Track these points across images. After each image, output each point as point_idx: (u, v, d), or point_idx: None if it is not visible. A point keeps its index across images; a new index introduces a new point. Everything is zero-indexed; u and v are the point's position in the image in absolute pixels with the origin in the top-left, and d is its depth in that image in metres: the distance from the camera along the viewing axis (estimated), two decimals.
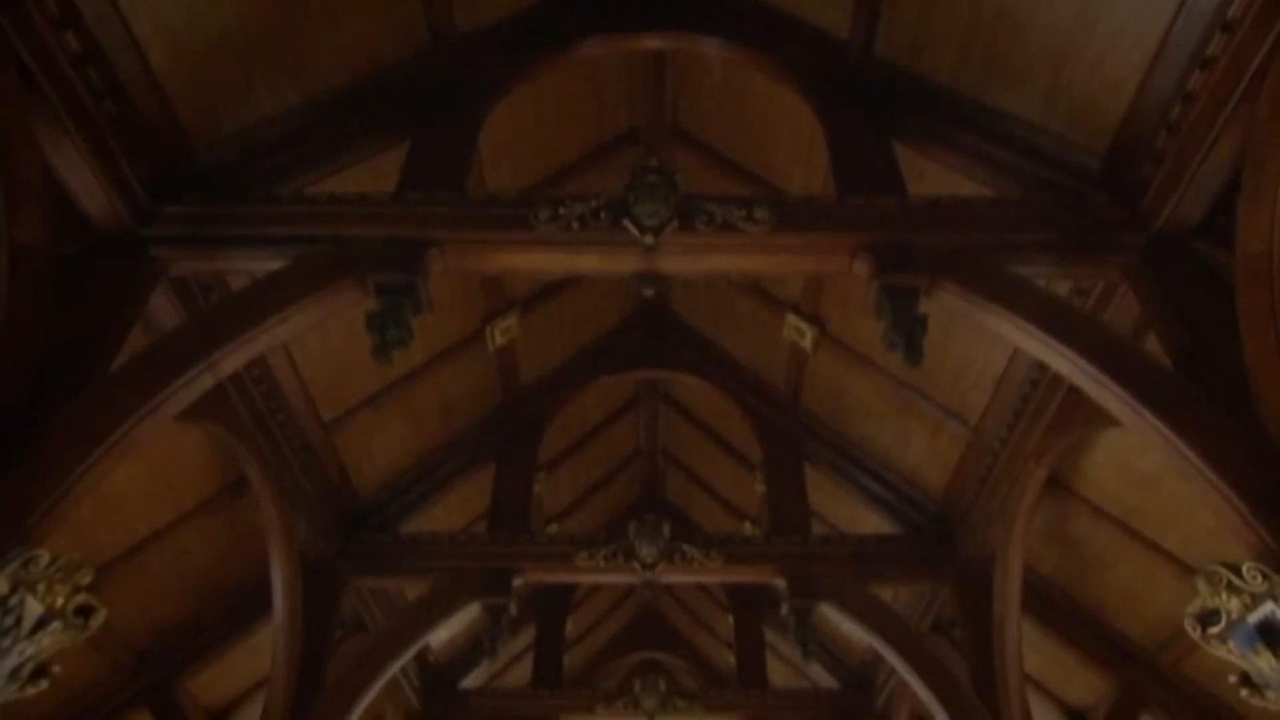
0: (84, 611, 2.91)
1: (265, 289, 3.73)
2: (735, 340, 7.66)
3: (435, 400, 6.82)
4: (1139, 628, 6.08)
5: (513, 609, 6.30)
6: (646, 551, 6.43)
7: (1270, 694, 2.92)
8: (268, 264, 3.89)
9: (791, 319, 6.63)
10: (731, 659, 10.09)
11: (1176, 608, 5.60)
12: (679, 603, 12.32)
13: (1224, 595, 2.94)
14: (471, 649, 9.39)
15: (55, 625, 2.80)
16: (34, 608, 2.71)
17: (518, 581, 6.33)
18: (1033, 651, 6.38)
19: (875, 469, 7.15)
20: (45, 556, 2.73)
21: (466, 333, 6.57)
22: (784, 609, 6.43)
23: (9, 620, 2.64)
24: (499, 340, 6.72)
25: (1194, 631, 3.13)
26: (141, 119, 3.74)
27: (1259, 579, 2.81)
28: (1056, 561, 6.36)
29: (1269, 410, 3.22)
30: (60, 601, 2.79)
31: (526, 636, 9.90)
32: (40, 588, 2.72)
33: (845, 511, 7.60)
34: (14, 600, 2.65)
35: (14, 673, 2.71)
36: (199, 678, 6.18)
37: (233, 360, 3.61)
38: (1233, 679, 3.05)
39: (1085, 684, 6.80)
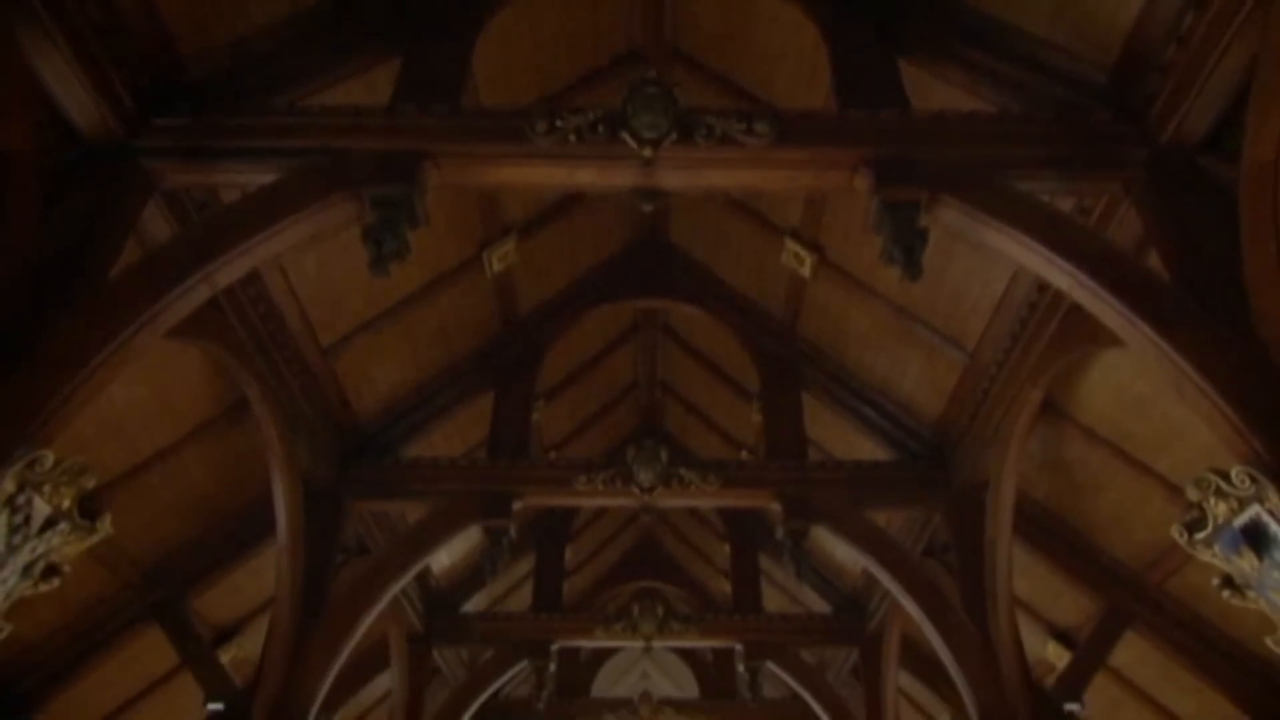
0: (90, 514, 2.96)
1: (260, 201, 3.70)
2: (734, 269, 7.63)
3: (433, 327, 6.82)
4: (1127, 549, 6.20)
5: (512, 531, 6.40)
6: (644, 475, 6.52)
7: (1251, 594, 3.00)
8: (261, 177, 3.85)
9: (790, 245, 6.60)
10: (727, 587, 10.33)
11: (1164, 529, 5.69)
12: (676, 532, 12.53)
13: (1212, 500, 3.00)
14: (472, 575, 9.59)
15: (63, 526, 2.86)
16: (41, 508, 2.76)
17: (517, 505, 6.42)
18: (1022, 575, 6.52)
19: (872, 397, 7.20)
20: (50, 458, 2.77)
21: (463, 259, 6.53)
22: (779, 532, 6.56)
23: (18, 518, 2.69)
24: (496, 267, 6.70)
25: (1181, 537, 3.20)
26: (128, 26, 3.66)
27: (1247, 482, 2.86)
28: (1049, 486, 6.45)
29: (1266, 322, 3.23)
30: (66, 504, 2.84)
31: (526, 564, 10.10)
32: (46, 489, 2.76)
33: (842, 440, 7.68)
34: (21, 499, 2.69)
35: (27, 569, 2.78)
36: (206, 596, 6.31)
37: (229, 272, 3.60)
38: (1215, 581, 3.13)
39: (1072, 605, 6.96)
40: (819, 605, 9.84)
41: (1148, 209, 3.98)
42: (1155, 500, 5.67)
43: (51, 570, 2.91)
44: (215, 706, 5.48)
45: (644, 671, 14.65)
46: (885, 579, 6.42)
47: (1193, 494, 3.07)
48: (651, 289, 7.86)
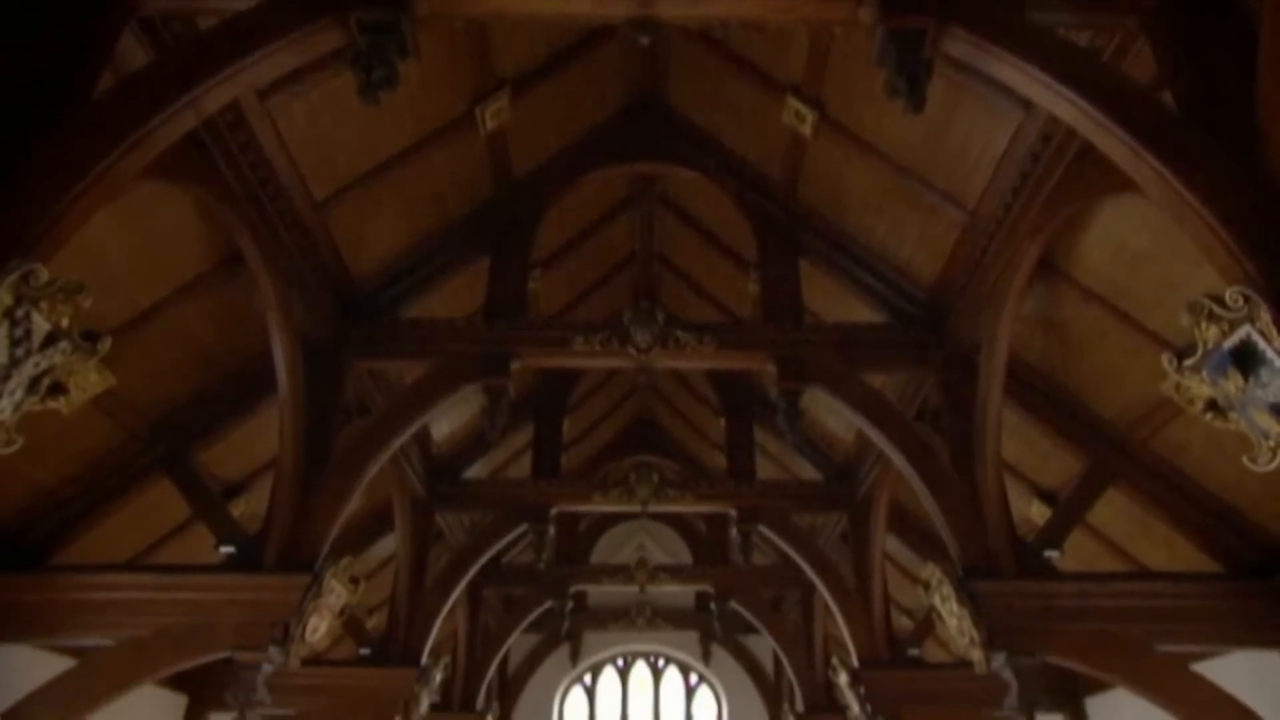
0: (91, 336, 2.98)
1: (243, 24, 3.56)
2: (733, 131, 7.45)
3: (427, 188, 6.71)
4: (1114, 408, 6.31)
5: (511, 391, 6.50)
6: (641, 337, 6.56)
7: (1233, 415, 3.07)
8: (239, 3, 3.69)
9: (791, 102, 6.43)
10: (722, 462, 10.57)
11: (1153, 385, 5.80)
12: (672, 408, 12.74)
13: (1204, 325, 3.02)
14: (473, 443, 9.80)
15: (64, 345, 2.88)
16: (40, 324, 2.77)
17: (515, 365, 6.48)
18: (1010, 438, 6.66)
19: (869, 261, 7.17)
20: (44, 272, 2.76)
21: (456, 115, 6.36)
22: (774, 394, 6.66)
23: (19, 332, 2.71)
24: (490, 124, 6.53)
25: (1170, 366, 3.24)
26: None
27: (1240, 302, 2.88)
28: (1042, 347, 6.51)
29: (1276, 151, 3.18)
30: (65, 322, 2.85)
31: (525, 435, 10.29)
32: (44, 305, 2.77)
33: (838, 307, 7.69)
34: (20, 313, 2.70)
35: (33, 384, 2.81)
36: (212, 452, 6.45)
37: (214, 98, 3.50)
38: (1200, 406, 3.19)
39: (1058, 466, 7.15)
40: (811, 475, 10.10)
41: (1161, 44, 3.86)
42: (1145, 357, 5.72)
43: (57, 387, 2.95)
44: (228, 549, 5.68)
45: (640, 543, 15.18)
46: (878, 438, 6.56)
47: (1186, 319, 3.09)
48: (649, 153, 7.70)
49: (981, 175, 5.74)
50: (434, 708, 10.68)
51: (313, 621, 5.47)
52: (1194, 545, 6.22)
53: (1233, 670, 6.10)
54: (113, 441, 5.76)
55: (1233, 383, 2.95)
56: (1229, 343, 2.92)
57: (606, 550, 14.95)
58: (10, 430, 2.82)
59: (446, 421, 9.27)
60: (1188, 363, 3.15)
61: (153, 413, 5.92)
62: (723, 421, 10.43)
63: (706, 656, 15.40)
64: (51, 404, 2.95)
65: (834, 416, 9.54)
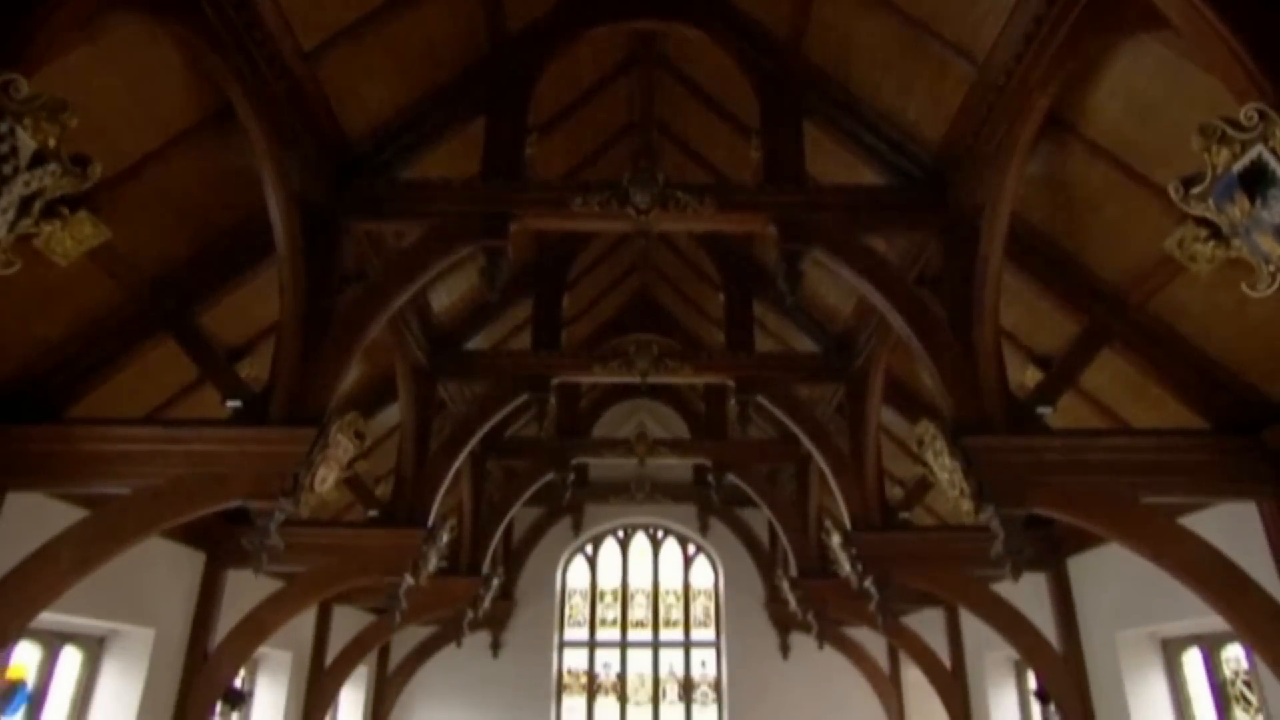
0: (81, 161, 2.92)
1: None
2: None
3: (419, 41, 6.47)
4: (1115, 268, 6.29)
5: (509, 253, 6.45)
6: (640, 198, 6.47)
7: (1236, 242, 3.06)
8: None
9: None
10: (722, 339, 10.61)
11: (1156, 243, 5.76)
12: (672, 285, 12.74)
13: (1214, 149, 2.97)
14: (473, 314, 9.84)
15: (53, 167, 2.83)
16: (26, 141, 2.71)
17: (514, 226, 6.42)
18: (1009, 305, 6.66)
19: (875, 123, 7.00)
20: (25, 84, 2.68)
21: None
22: (774, 259, 6.62)
23: (4, 148, 2.66)
24: None
25: (1176, 194, 3.21)
26: None
27: (1255, 119, 2.81)
28: (1045, 209, 6.43)
29: None
30: (52, 142, 2.79)
31: (524, 310, 10.30)
32: (28, 122, 2.70)
33: (842, 171, 7.55)
34: (4, 128, 2.64)
35: (25, 204, 2.78)
36: (214, 314, 6.47)
37: None
38: (1202, 234, 3.17)
39: (1054, 333, 7.18)
40: (809, 349, 10.18)
41: None
42: (1151, 215, 5.67)
43: (52, 210, 2.91)
44: (234, 404, 5.78)
45: (640, 422, 15.45)
46: (878, 301, 6.56)
47: (1196, 143, 3.04)
48: (651, 9, 7.38)
49: (994, 22, 5.52)
50: (442, 572, 11.16)
51: (321, 472, 5.62)
52: (1183, 405, 6.32)
53: (1213, 523, 6.31)
54: (113, 300, 5.77)
55: (1239, 207, 2.92)
56: (1239, 165, 2.88)
57: (607, 428, 15.26)
58: (7, 252, 2.80)
59: (446, 292, 9.27)
60: (1195, 190, 3.11)
61: (151, 271, 5.90)
62: (722, 297, 10.42)
63: (704, 529, 15.94)
64: (47, 227, 2.91)
65: (833, 289, 9.54)
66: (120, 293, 5.76)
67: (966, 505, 5.89)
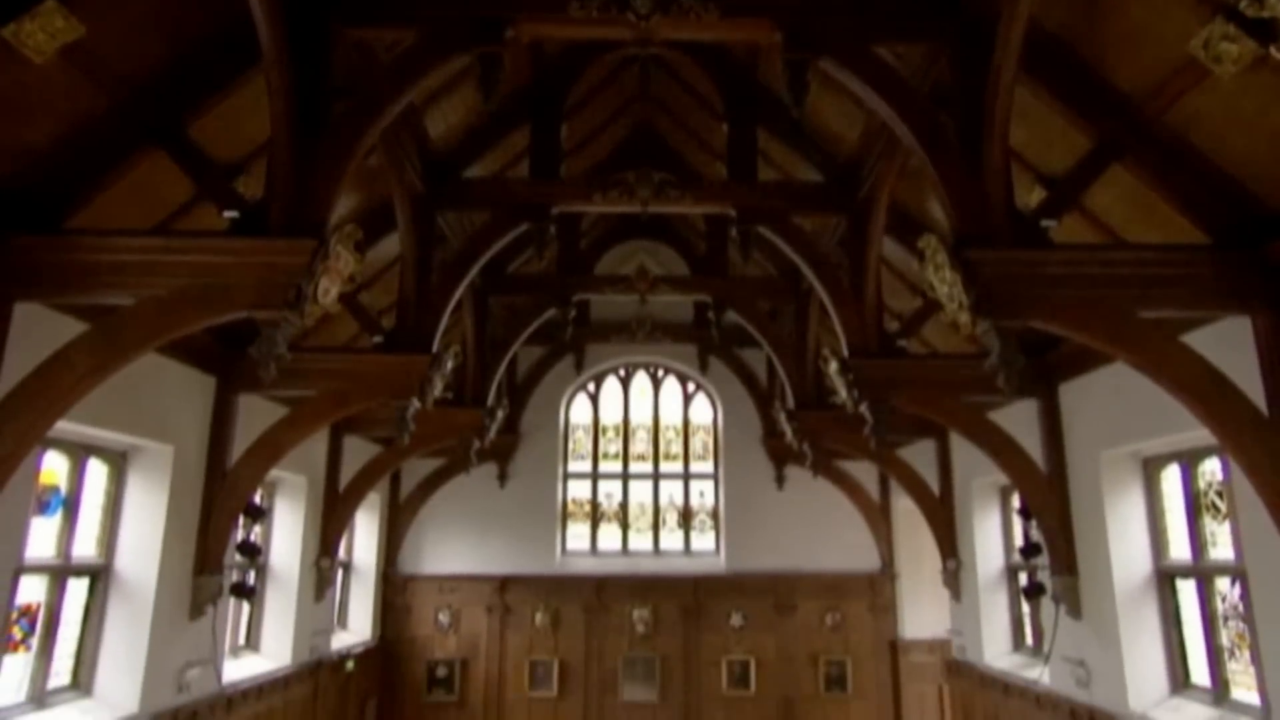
0: None
1: None
2: None
3: None
4: (1132, 77, 6.07)
5: (505, 61, 6.22)
6: (641, 2, 6.16)
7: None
8: None
9: None
10: (724, 171, 10.38)
11: (1178, 48, 5.55)
12: (674, 118, 12.38)
13: None
14: (471, 140, 9.61)
15: None
16: None
17: (510, 32, 6.15)
18: (1019, 122, 6.45)
19: None
20: None
21: None
22: (779, 64, 6.38)
23: None
24: None
25: None
26: None
27: None
28: (1063, 14, 6.13)
29: None
30: None
31: (522, 138, 10.04)
32: None
33: None
34: None
35: None
36: (204, 128, 6.31)
37: None
38: (1232, 31, 3.02)
39: (1064, 151, 7.01)
40: (814, 178, 10.00)
41: None
42: (1177, 15, 5.41)
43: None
44: (231, 214, 5.74)
45: (641, 262, 15.40)
46: (884, 112, 6.38)
47: None
48: None
49: None
50: (448, 403, 11.47)
51: (323, 284, 5.65)
52: (1187, 220, 6.26)
53: (1206, 340, 6.38)
54: (97, 107, 5.60)
55: None
56: None
57: (608, 269, 15.20)
58: None
59: (443, 117, 9.01)
60: None
61: (133, 77, 5.70)
62: (725, 127, 10.12)
63: (704, 367, 16.24)
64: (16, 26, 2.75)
65: (838, 115, 9.26)
66: (103, 98, 5.59)
67: (964, 318, 5.95)
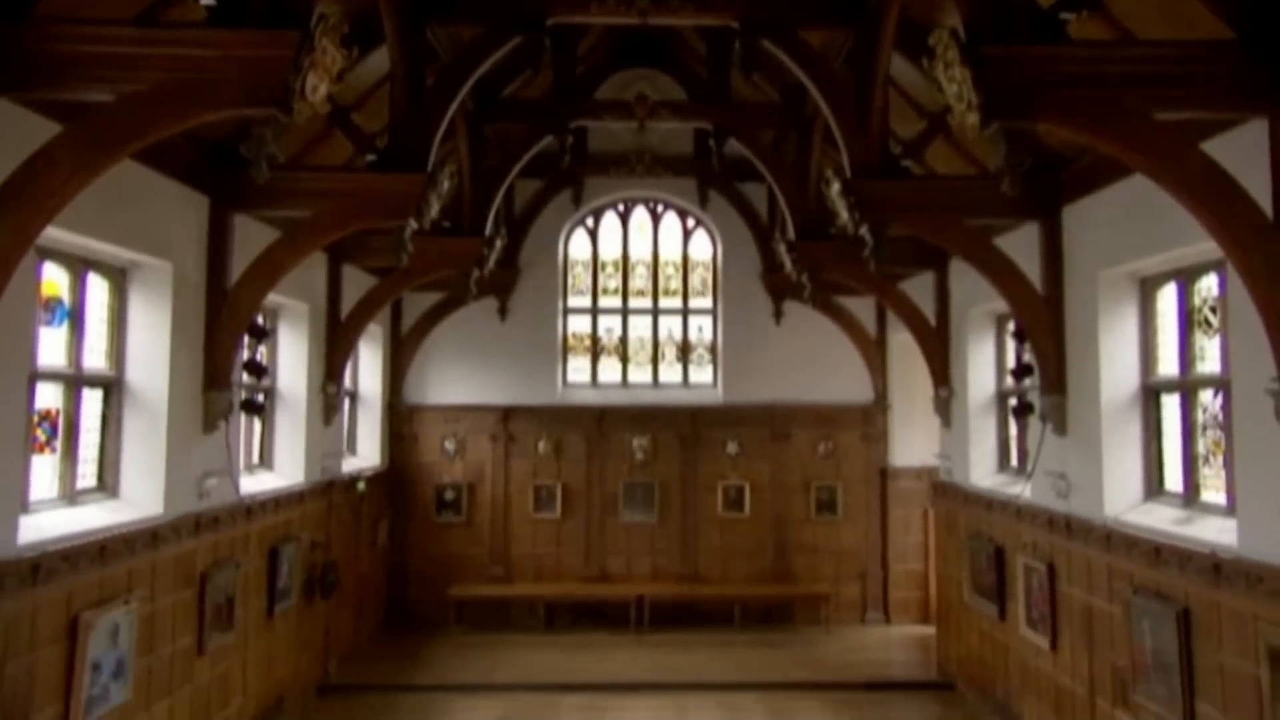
0: None
1: None
2: None
3: None
4: None
5: None
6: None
7: None
8: None
9: None
10: None
11: None
12: None
13: None
14: None
15: None
16: None
17: None
18: None
19: None
20: None
21: None
22: None
23: None
24: None
25: None
26: None
27: None
28: None
29: None
30: None
31: None
32: None
33: None
34: None
35: None
36: None
37: None
38: None
39: None
40: None
41: None
42: None
43: None
44: (208, 1, 5.44)
45: (640, 90, 14.82)
46: None
47: None
48: None
49: None
50: (446, 232, 11.36)
51: (311, 80, 5.45)
52: (1214, 13, 5.95)
53: (1219, 148, 6.23)
54: None
55: None
56: None
57: (606, 97, 14.65)
58: None
59: None
60: None
61: None
62: None
63: (703, 202, 15.99)
64: None
65: None
66: None
67: (973, 119, 5.77)
